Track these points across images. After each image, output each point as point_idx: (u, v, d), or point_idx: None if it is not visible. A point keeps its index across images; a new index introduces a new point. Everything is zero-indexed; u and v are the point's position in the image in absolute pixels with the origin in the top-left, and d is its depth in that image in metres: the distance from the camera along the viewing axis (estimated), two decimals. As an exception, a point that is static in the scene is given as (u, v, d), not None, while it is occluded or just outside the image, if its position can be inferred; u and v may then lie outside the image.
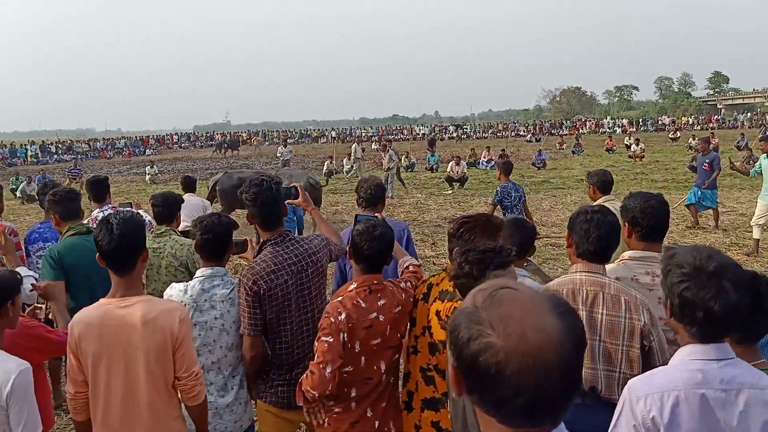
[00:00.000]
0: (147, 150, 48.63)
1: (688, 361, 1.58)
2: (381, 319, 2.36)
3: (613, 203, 4.66)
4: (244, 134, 58.02)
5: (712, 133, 30.12)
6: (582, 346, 0.89)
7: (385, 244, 2.38)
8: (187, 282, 2.70)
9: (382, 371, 2.42)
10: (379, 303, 2.37)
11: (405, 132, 59.12)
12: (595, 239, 2.28)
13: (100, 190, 4.89)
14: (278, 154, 22.29)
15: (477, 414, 0.95)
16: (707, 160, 9.87)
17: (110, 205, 4.92)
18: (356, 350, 2.33)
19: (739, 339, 1.78)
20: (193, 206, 6.44)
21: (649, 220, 2.51)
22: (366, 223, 2.43)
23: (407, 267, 2.76)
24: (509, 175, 7.21)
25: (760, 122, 47.87)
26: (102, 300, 2.23)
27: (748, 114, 57.26)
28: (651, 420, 1.53)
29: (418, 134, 56.39)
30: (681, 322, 1.60)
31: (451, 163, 18.02)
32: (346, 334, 2.28)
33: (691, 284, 1.54)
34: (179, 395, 2.30)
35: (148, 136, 57.92)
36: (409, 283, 2.56)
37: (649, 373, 1.68)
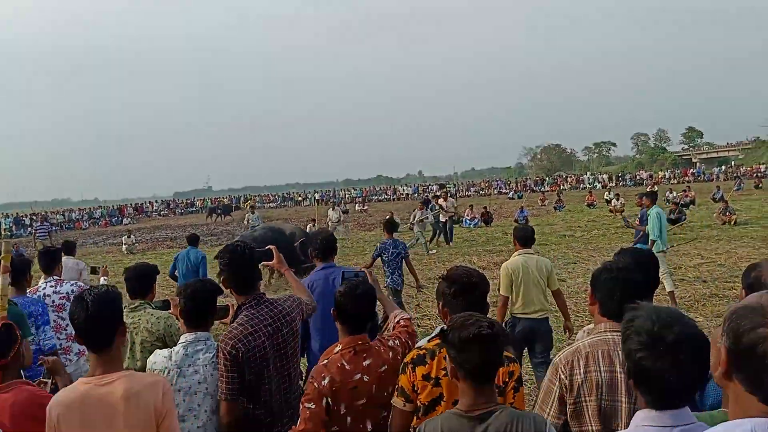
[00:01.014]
0: (124, 219, 48.21)
1: (642, 427, 1.54)
2: (366, 380, 2.37)
3: (530, 256, 5.11)
4: (225, 199, 58.11)
5: (689, 186, 30.69)
6: None
7: (367, 303, 2.44)
8: (171, 348, 2.75)
9: (369, 429, 2.43)
10: (364, 363, 2.38)
11: (389, 192, 59.58)
12: (620, 298, 2.18)
13: (47, 261, 4.88)
14: (245, 221, 22.27)
15: (732, 392, 1.12)
16: (639, 216, 9.87)
17: (56, 278, 4.86)
18: (342, 412, 2.34)
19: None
20: (69, 268, 6.75)
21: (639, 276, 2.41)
22: (347, 283, 2.48)
23: (398, 322, 2.74)
24: (392, 233, 7.97)
25: (735, 174, 48.98)
26: (81, 379, 2.19)
27: (723, 167, 58.76)
28: None
29: (402, 194, 56.88)
30: (637, 388, 1.58)
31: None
32: (330, 398, 2.31)
33: (647, 354, 1.50)
34: None
35: (126, 205, 57.82)
36: (397, 341, 2.55)
37: None
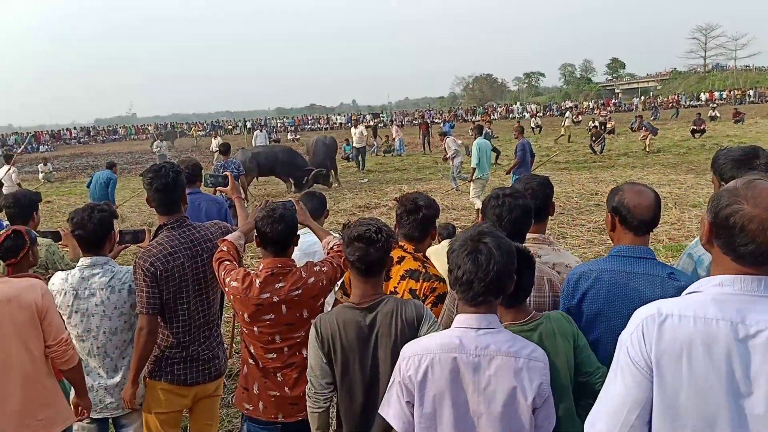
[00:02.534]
0: (41, 146, 45.26)
1: (453, 328, 1.77)
2: (274, 300, 2.41)
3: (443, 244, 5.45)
4: (150, 127, 55.29)
5: (610, 116, 32.01)
6: None
7: (286, 226, 2.44)
8: (68, 271, 2.80)
9: (277, 341, 2.48)
10: (276, 285, 2.42)
11: (322, 121, 58.54)
12: (508, 223, 2.26)
13: None
14: (155, 149, 22.53)
15: (714, 255, 1.40)
16: (515, 149, 10.62)
17: None
18: (246, 319, 2.45)
19: (508, 304, 1.95)
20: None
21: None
22: (266, 207, 2.51)
23: (332, 247, 2.74)
24: (227, 155, 10.05)
25: (652, 104, 51.45)
26: None
27: (642, 97, 61.42)
28: (409, 378, 1.75)
29: (335, 123, 56.03)
30: (453, 288, 1.77)
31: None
32: (228, 291, 2.47)
33: (456, 248, 1.75)
34: (53, 362, 2.50)
35: (42, 131, 53.95)
36: (325, 267, 2.55)
37: (421, 337, 1.90)
